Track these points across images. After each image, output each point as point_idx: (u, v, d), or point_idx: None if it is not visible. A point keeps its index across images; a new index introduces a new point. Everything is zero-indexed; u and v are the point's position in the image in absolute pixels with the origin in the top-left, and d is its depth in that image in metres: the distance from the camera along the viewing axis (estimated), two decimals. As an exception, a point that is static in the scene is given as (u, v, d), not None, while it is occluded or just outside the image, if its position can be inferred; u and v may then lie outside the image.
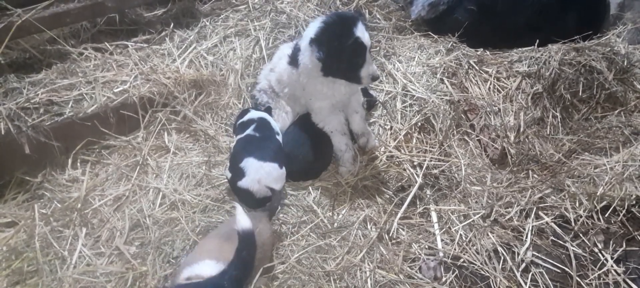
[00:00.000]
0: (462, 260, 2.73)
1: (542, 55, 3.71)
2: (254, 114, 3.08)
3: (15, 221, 2.79)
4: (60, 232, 2.75)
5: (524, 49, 3.89)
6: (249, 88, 3.58)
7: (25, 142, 2.92)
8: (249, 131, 2.96)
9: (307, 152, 3.07)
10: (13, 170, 2.98)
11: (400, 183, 3.09)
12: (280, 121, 3.21)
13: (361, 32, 2.73)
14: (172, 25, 3.90)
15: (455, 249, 2.77)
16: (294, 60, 3.02)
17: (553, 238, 2.86)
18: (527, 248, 2.78)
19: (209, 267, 2.17)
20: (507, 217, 2.94)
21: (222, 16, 4.06)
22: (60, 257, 2.62)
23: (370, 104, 3.41)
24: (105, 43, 3.66)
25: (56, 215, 2.81)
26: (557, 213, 2.97)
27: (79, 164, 3.10)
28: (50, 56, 3.55)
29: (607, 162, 3.25)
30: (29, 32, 3.35)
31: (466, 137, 3.41)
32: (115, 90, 3.28)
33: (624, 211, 2.96)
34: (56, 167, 3.06)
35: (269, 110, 3.22)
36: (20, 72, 3.36)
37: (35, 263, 2.57)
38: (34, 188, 2.97)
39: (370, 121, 3.41)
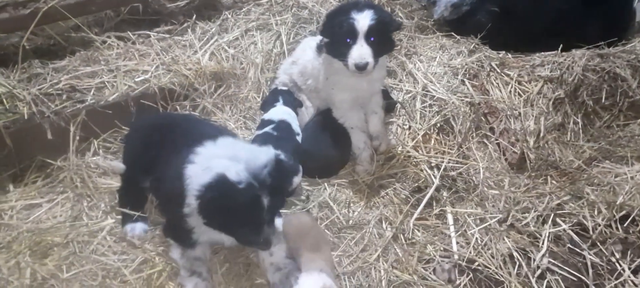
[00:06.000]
0: (477, 263, 2.71)
1: (565, 60, 3.65)
2: (275, 115, 3.09)
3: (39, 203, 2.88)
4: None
5: (547, 53, 3.84)
6: (268, 82, 3.59)
7: (48, 127, 2.96)
8: (268, 129, 2.99)
9: (325, 149, 3.08)
10: (34, 154, 3.03)
11: (417, 184, 3.07)
12: (300, 117, 3.22)
13: (360, 16, 2.73)
14: (194, 17, 3.92)
15: (470, 252, 2.75)
16: (320, 48, 3.08)
17: (570, 246, 2.83)
18: (543, 255, 2.76)
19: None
20: (524, 222, 2.91)
21: (244, 9, 4.08)
22: (83, 239, 2.67)
23: (390, 107, 3.39)
24: (128, 32, 3.70)
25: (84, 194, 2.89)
26: (575, 220, 2.93)
27: (101, 151, 3.13)
28: (74, 43, 3.61)
29: (628, 171, 3.20)
30: (54, 18, 3.41)
31: (485, 140, 3.38)
32: (137, 80, 3.30)
33: (643, 221, 2.92)
34: (77, 153, 3.08)
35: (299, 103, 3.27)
36: (45, 58, 3.42)
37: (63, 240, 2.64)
38: (54, 172, 3.02)
39: (389, 120, 3.40)
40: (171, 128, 2.66)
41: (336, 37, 2.84)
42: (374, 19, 2.74)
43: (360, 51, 2.75)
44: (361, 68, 2.76)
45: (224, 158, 2.13)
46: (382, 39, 2.82)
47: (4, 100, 2.98)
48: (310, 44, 3.25)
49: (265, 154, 2.18)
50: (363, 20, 2.73)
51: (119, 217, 2.75)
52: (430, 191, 3.01)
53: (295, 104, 3.21)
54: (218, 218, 2.15)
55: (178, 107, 3.32)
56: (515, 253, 2.75)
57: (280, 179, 2.17)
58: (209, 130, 2.54)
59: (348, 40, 2.77)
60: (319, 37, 3.15)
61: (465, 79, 3.58)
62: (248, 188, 2.05)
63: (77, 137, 3.05)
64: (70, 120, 3.02)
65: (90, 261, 2.54)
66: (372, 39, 2.76)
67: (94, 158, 3.07)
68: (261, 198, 2.07)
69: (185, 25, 3.87)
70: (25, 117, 2.95)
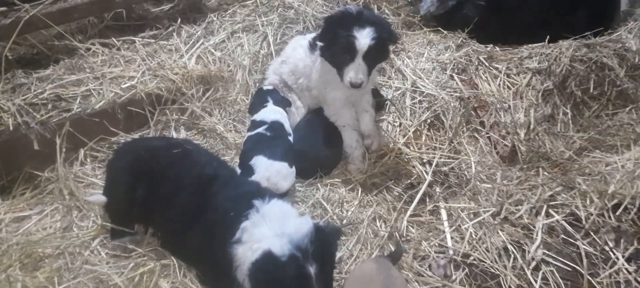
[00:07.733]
0: (472, 258, 2.71)
1: (552, 51, 3.68)
2: (267, 115, 3.06)
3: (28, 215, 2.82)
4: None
5: (534, 45, 3.86)
6: (257, 84, 3.56)
7: (34, 138, 2.91)
8: (261, 130, 2.96)
9: (317, 148, 3.06)
10: (22, 166, 2.97)
11: (409, 181, 3.07)
12: (290, 117, 3.20)
13: (361, 35, 2.73)
14: (179, 21, 3.89)
15: (465, 247, 2.75)
16: (313, 45, 3.07)
17: (564, 237, 2.84)
18: (538, 247, 2.76)
19: None
20: (517, 214, 2.91)
21: (229, 11, 4.06)
22: (75, 250, 2.62)
23: (380, 104, 3.38)
24: (113, 38, 3.66)
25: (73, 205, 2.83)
26: (567, 211, 2.94)
27: (88, 160, 3.09)
28: (58, 52, 3.55)
29: (619, 159, 3.21)
30: (36, 27, 3.35)
31: (476, 134, 3.39)
32: (123, 86, 3.26)
33: (635, 209, 2.91)
34: (65, 163, 3.02)
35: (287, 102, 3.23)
36: (28, 68, 3.37)
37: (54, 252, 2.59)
38: (42, 183, 2.97)
39: (379, 118, 3.39)
40: (159, 163, 2.56)
41: (334, 47, 2.84)
42: (375, 38, 2.75)
43: (357, 70, 2.77)
44: (356, 86, 2.79)
45: (270, 234, 2.15)
46: (378, 52, 2.85)
47: (-12, 112, 2.93)
48: (300, 42, 3.25)
49: (306, 224, 2.18)
50: (364, 39, 2.73)
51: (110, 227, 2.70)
52: (423, 187, 3.01)
53: (284, 103, 3.18)
54: None
55: (167, 112, 3.28)
56: (509, 246, 2.75)
57: (323, 246, 2.16)
58: (207, 169, 2.53)
59: (346, 55, 2.78)
60: (308, 36, 3.13)
61: (454, 74, 3.59)
62: (291, 261, 2.06)
63: (64, 149, 3.00)
64: (56, 131, 2.97)
65: (82, 272, 2.50)
66: (369, 55, 2.78)
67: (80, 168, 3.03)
68: (306, 267, 2.06)
69: (170, 29, 3.84)
70: (10, 128, 2.91)
